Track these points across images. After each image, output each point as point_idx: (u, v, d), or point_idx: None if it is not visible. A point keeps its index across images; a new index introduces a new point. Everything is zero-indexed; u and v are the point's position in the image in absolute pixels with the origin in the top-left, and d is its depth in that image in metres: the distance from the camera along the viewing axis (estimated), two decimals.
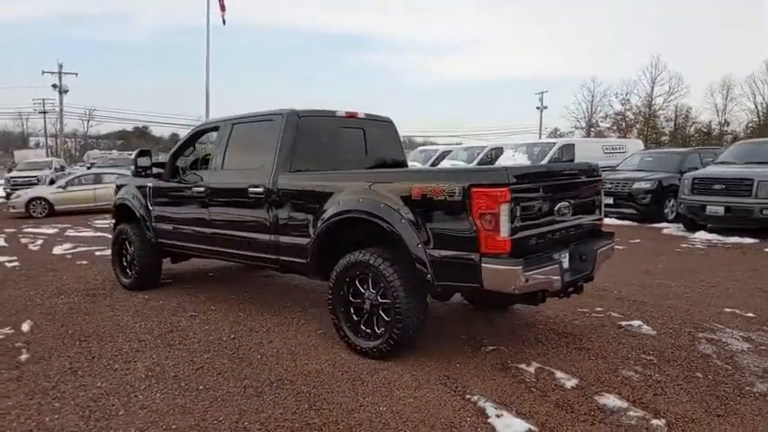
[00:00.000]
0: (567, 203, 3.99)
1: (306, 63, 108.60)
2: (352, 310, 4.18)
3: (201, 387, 3.64)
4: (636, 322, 4.84)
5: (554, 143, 14.85)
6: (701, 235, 9.73)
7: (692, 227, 10.22)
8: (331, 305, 4.25)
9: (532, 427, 3.01)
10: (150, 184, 6.05)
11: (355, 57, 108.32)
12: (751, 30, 72.08)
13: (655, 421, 3.06)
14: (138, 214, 6.16)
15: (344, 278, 4.14)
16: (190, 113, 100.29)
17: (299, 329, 4.80)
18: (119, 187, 6.87)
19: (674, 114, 59.65)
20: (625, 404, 3.27)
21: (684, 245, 9.11)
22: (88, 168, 25.35)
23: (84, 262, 8.36)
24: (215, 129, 5.63)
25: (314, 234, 4.33)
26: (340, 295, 4.19)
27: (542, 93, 56.29)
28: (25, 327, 5.02)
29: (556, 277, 3.65)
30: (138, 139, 73.25)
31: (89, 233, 12.02)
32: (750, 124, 57.58)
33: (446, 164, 15.56)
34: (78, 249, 9.53)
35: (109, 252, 8.97)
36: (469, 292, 4.81)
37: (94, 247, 9.67)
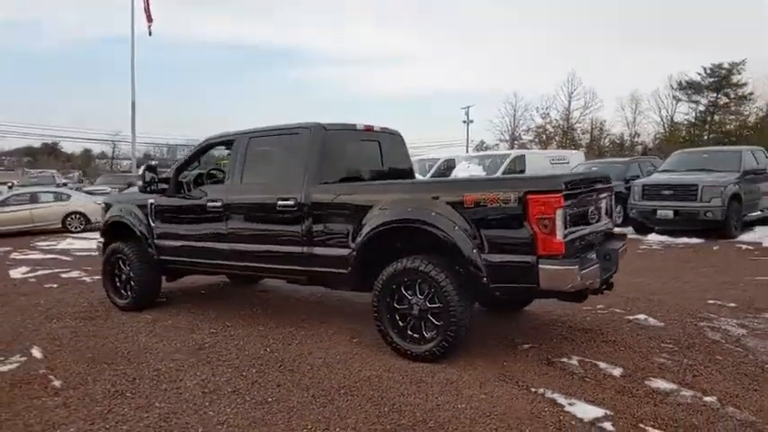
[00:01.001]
0: (595, 208, 4.35)
1: (233, 77, 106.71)
2: (397, 316, 4.32)
3: (270, 399, 3.65)
4: (641, 316, 5.28)
5: (507, 155, 15.62)
6: (654, 237, 10.60)
7: (643, 230, 11.09)
8: (376, 312, 4.36)
9: (608, 412, 3.28)
10: (152, 201, 5.89)
11: (282, 70, 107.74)
12: (655, 48, 78.51)
13: (707, 398, 3.43)
14: (138, 232, 5.96)
15: (391, 285, 4.27)
16: (106, 129, 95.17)
17: (331, 339, 4.86)
18: (107, 206, 6.59)
19: (590, 127, 63.77)
20: (674, 386, 3.63)
21: (643, 246, 9.90)
22: (9, 188, 23.72)
23: (54, 285, 7.90)
24: (227, 143, 5.60)
25: (356, 244, 4.44)
26: (386, 303, 4.31)
27: (468, 107, 58.08)
28: (37, 353, 4.76)
29: (597, 275, 3.98)
30: (48, 156, 68.77)
31: (38, 255, 11.29)
32: (657, 135, 62.30)
33: None
34: (39, 273, 8.95)
35: (77, 274, 8.68)
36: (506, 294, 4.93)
37: (57, 270, 9.14)
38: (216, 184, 5.77)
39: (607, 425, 3.13)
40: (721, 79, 60.48)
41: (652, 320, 5.15)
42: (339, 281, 4.72)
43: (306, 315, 5.72)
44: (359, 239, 4.42)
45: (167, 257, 5.86)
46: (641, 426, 3.11)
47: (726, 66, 60.33)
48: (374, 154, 5.50)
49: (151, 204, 5.90)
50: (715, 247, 9.45)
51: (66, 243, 13.17)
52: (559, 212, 3.67)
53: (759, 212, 11.39)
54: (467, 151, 48.83)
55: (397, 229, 4.28)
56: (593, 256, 4.25)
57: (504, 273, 3.85)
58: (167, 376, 4.14)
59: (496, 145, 62.63)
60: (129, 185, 26.76)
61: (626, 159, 14.59)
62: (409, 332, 4.26)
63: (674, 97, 63.60)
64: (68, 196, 16.06)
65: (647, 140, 62.38)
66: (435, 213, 4.04)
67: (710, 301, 5.81)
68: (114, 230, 6.37)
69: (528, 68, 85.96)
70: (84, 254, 11.15)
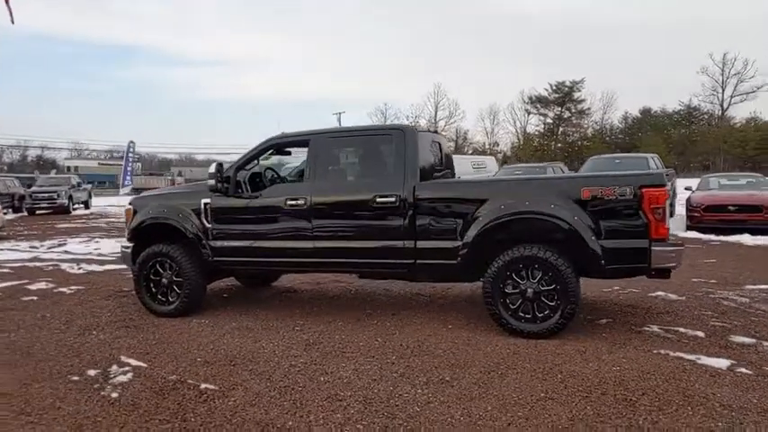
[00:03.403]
0: None
1: (77, 75, 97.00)
2: (508, 300, 4.79)
3: (447, 378, 3.92)
4: (660, 293, 6.29)
5: None
6: None
7: None
8: (490, 298, 4.80)
9: (732, 361, 4.07)
10: (206, 201, 5.69)
11: (130, 70, 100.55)
12: (510, 64, 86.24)
13: None
14: (189, 234, 5.71)
15: (505, 272, 4.74)
16: None
17: (427, 328, 5.14)
18: (136, 209, 6.15)
19: (455, 136, 68.48)
20: (753, 340, 4.56)
21: None
22: None
23: (35, 298, 7.08)
24: (297, 144, 5.65)
25: (467, 236, 4.82)
26: (499, 288, 4.77)
27: (340, 113, 58.60)
28: (137, 362, 4.46)
29: None
30: None
31: None
32: (514, 144, 68.53)
33: None
34: None
35: (45, 285, 7.87)
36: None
37: (14, 283, 8.10)
38: (281, 183, 5.77)
39: (742, 369, 3.92)
40: (564, 95, 68.30)
41: (672, 296, 6.18)
42: (445, 272, 5.06)
43: (370, 309, 5.91)
44: (471, 232, 4.81)
45: (225, 258, 5.70)
46: (765, 368, 3.94)
47: (568, 83, 68.10)
48: (438, 153, 5.92)
49: (206, 205, 5.70)
50: None
51: None
52: (667, 203, 4.44)
53: None
54: None
55: (509, 222, 4.76)
56: None
57: (619, 256, 4.53)
58: (314, 369, 4.19)
59: None
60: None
61: (543, 164, 16.41)
62: (521, 313, 4.76)
63: (526, 110, 70.50)
64: None
65: (505, 149, 68.43)
66: (555, 206, 4.60)
67: (695, 280, 7.05)
68: (147, 234, 6.01)
69: (398, 79, 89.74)
70: (18, 264, 9.93)
